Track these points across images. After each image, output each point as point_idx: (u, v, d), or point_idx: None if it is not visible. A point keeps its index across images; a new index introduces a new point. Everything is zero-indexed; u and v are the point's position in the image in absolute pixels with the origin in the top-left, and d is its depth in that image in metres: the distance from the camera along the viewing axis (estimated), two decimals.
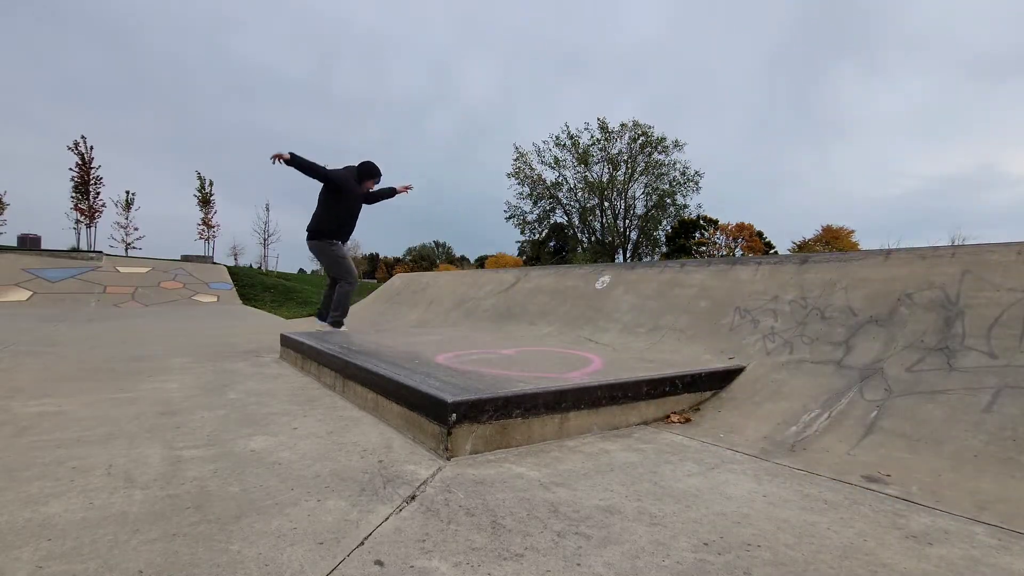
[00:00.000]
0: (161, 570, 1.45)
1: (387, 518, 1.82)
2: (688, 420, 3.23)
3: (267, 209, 47.71)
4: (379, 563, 1.53)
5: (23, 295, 13.57)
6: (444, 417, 2.48)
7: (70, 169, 27.33)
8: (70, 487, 2.00)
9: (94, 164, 27.94)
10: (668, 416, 3.28)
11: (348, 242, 6.62)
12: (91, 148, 27.93)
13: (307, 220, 6.32)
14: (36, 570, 1.44)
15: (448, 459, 2.43)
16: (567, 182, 44.26)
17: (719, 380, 3.62)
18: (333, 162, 6.51)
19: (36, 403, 3.31)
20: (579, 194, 44.80)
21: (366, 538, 1.67)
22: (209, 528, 1.70)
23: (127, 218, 29.54)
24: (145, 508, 1.83)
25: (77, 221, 27.62)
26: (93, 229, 28.01)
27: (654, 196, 43.79)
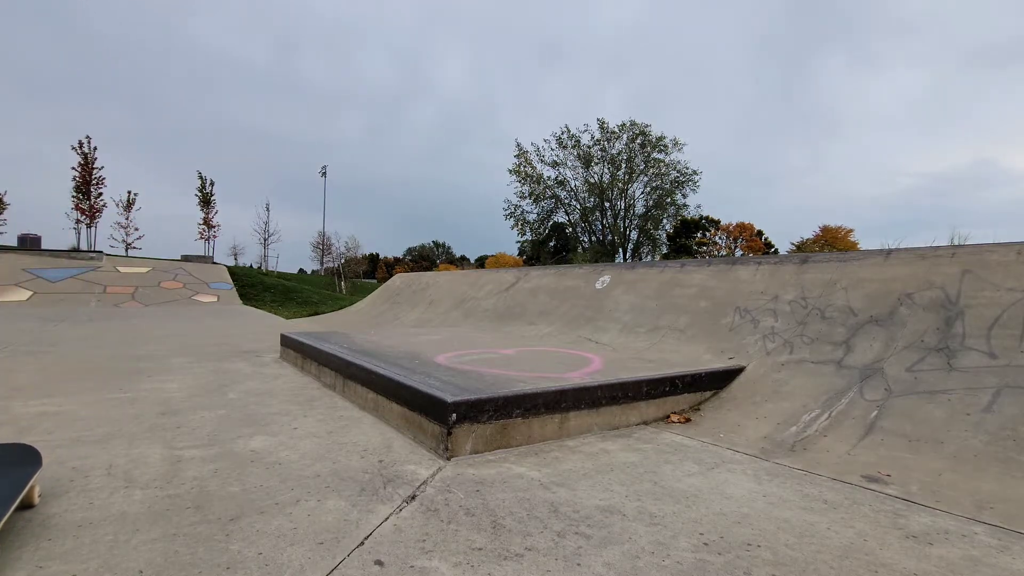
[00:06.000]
0: (161, 570, 1.46)
1: (387, 518, 1.82)
2: (688, 420, 3.23)
3: (267, 209, 47.79)
4: (379, 563, 1.53)
5: (23, 295, 13.57)
6: (444, 417, 2.48)
7: (72, 168, 27.28)
8: (70, 487, 2.00)
9: (97, 164, 27.89)
10: (668, 416, 3.28)
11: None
12: (95, 148, 27.88)
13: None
14: (36, 570, 1.44)
15: (448, 459, 2.44)
16: (568, 182, 44.34)
17: (719, 380, 3.62)
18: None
19: (36, 403, 3.31)
20: (580, 194, 44.87)
21: (366, 538, 1.67)
22: (209, 528, 1.70)
23: (128, 218, 29.52)
24: (145, 508, 1.84)
25: (77, 221, 27.62)
26: (93, 229, 28.01)
27: (654, 196, 43.82)
